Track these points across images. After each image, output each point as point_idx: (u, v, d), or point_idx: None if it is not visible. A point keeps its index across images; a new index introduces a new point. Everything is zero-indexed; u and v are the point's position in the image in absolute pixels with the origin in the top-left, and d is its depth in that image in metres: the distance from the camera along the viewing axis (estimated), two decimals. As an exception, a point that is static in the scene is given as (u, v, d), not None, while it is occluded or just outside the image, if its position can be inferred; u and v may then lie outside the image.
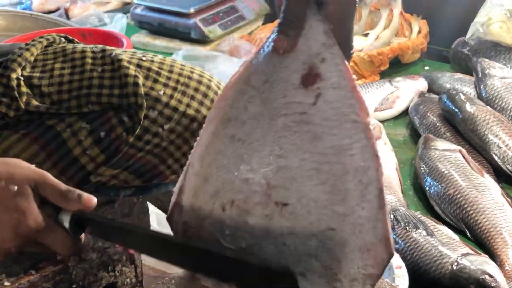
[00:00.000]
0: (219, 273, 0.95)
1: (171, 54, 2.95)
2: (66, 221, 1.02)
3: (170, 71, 1.38)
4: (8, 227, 0.97)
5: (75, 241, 1.04)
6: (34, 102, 1.34)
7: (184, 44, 3.15)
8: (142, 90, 1.33)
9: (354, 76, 0.98)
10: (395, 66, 3.02)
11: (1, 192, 0.96)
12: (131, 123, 1.34)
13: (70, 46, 1.44)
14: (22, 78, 1.36)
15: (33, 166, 1.04)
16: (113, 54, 1.38)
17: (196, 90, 1.37)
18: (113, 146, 1.35)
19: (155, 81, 1.36)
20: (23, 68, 1.37)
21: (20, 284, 1.33)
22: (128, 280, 1.59)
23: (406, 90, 2.68)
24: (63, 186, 1.02)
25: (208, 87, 1.39)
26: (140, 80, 1.34)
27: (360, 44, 3.10)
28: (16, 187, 0.97)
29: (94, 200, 1.04)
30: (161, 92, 1.34)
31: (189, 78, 1.39)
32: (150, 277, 1.78)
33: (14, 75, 1.34)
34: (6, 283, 1.33)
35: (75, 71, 1.38)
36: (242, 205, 0.96)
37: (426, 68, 3.06)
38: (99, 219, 1.07)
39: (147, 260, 1.65)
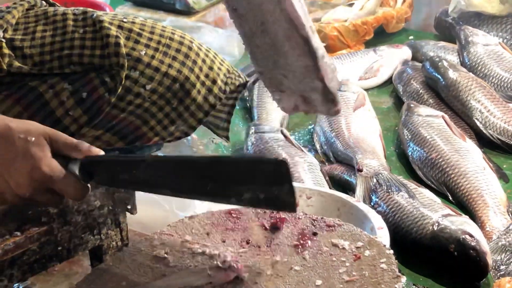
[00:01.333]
0: (225, 179, 0.98)
1: (155, 24, 2.94)
2: (76, 168, 1.08)
3: (152, 32, 1.38)
4: (24, 172, 1.04)
5: (84, 186, 1.10)
6: (17, 64, 1.34)
7: (168, 15, 3.14)
8: (123, 50, 1.33)
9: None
10: (380, 36, 3.03)
11: (19, 142, 1.04)
12: (113, 83, 1.34)
13: (51, 9, 1.44)
14: (3, 40, 1.36)
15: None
16: (95, 15, 1.39)
17: (178, 51, 1.38)
18: (95, 106, 1.36)
19: (136, 41, 1.36)
20: (5, 31, 1.37)
21: (6, 245, 1.34)
22: (114, 243, 1.61)
23: (390, 59, 2.70)
24: (74, 139, 1.10)
25: (190, 48, 1.40)
26: (122, 41, 1.34)
27: (345, 13, 3.10)
28: (33, 138, 1.04)
29: (101, 152, 1.11)
30: (143, 53, 1.35)
31: (171, 39, 1.39)
32: (135, 242, 1.80)
33: None
34: (-8, 244, 1.34)
35: (56, 33, 1.38)
36: None
37: (411, 37, 3.07)
38: (107, 158, 1.11)
39: (132, 226, 1.66)
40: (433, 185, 2.01)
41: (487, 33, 2.63)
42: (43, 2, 1.48)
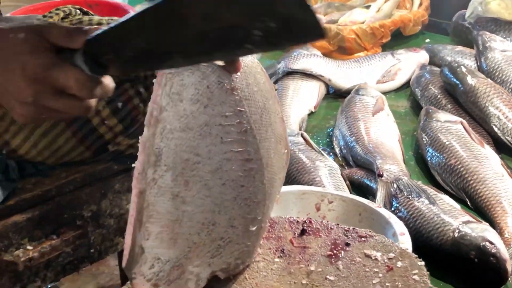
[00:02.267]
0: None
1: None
2: (79, 59, 0.94)
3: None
4: (18, 72, 0.95)
5: (90, 78, 0.94)
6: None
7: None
8: (158, 61, 1.36)
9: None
10: (396, 38, 3.05)
11: (9, 43, 0.96)
12: (147, 94, 1.38)
13: (86, 18, 1.48)
14: None
15: None
16: None
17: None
18: (130, 116, 1.39)
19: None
20: None
21: (42, 248, 1.39)
22: (142, 245, 1.65)
23: (408, 63, 2.73)
24: (69, 27, 0.98)
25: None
26: (156, 51, 1.37)
27: (362, 16, 3.13)
28: (23, 34, 0.96)
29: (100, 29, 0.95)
30: None
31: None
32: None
33: None
34: (29, 247, 1.38)
35: None
36: None
37: (427, 40, 3.10)
38: (106, 29, 0.92)
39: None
40: (451, 191, 2.04)
41: (504, 39, 2.65)
42: (77, 10, 1.52)
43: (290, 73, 2.65)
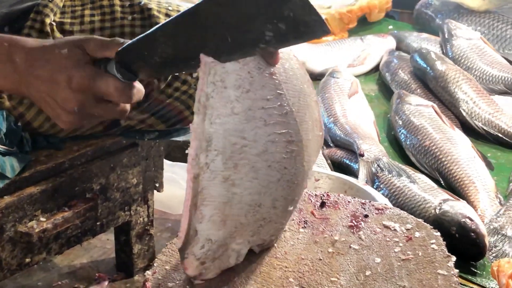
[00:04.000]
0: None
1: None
2: (113, 68, 1.06)
3: (198, 21, 1.45)
4: (64, 85, 1.05)
5: (127, 85, 1.06)
6: (69, 47, 1.38)
7: None
8: (174, 38, 1.39)
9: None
10: (361, 24, 3.14)
11: (54, 58, 1.06)
12: (162, 69, 1.41)
13: None
14: (54, 23, 1.40)
15: None
16: (142, 3, 1.44)
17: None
18: (144, 91, 1.41)
19: (184, 30, 1.42)
20: (54, 14, 1.42)
21: (55, 219, 1.41)
22: (141, 219, 1.69)
23: (376, 48, 2.82)
24: (106, 39, 1.09)
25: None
26: (171, 29, 1.40)
27: (328, 0, 3.21)
28: (66, 50, 1.07)
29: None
30: None
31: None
32: (158, 219, 1.88)
33: (48, 20, 1.39)
34: (42, 219, 1.40)
35: (105, 18, 1.43)
36: None
37: (390, 27, 3.20)
38: (134, 40, 1.04)
39: (156, 204, 1.74)
40: (426, 171, 2.14)
41: (469, 28, 2.78)
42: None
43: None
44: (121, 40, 1.07)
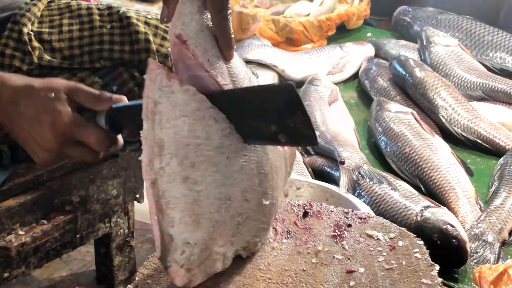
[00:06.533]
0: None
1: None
2: (102, 120, 1.12)
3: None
4: (47, 126, 1.10)
5: (110, 137, 1.13)
6: (47, 57, 1.37)
7: (135, 3, 3.16)
8: (153, 46, 1.39)
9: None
10: (340, 32, 3.15)
11: (41, 99, 1.11)
12: (141, 77, 1.40)
13: (73, 2, 1.48)
14: (32, 33, 1.39)
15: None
16: (121, 11, 1.43)
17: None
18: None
19: (164, 38, 1.42)
20: (32, 23, 1.40)
21: (34, 233, 1.39)
22: (122, 231, 1.67)
23: (355, 55, 2.83)
24: (96, 91, 1.14)
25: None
26: (151, 37, 1.40)
27: (306, 9, 3.21)
28: (53, 93, 1.11)
29: (124, 98, 1.14)
30: (170, 49, 1.40)
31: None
32: (138, 230, 1.85)
33: (25, 30, 1.37)
34: (21, 232, 1.38)
35: (84, 27, 1.42)
36: None
37: (369, 34, 3.21)
38: (130, 106, 1.13)
39: (136, 215, 1.72)
40: (406, 178, 2.14)
41: (446, 34, 2.79)
42: (64, -5, 1.52)
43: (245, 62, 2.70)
44: (108, 94, 1.13)
